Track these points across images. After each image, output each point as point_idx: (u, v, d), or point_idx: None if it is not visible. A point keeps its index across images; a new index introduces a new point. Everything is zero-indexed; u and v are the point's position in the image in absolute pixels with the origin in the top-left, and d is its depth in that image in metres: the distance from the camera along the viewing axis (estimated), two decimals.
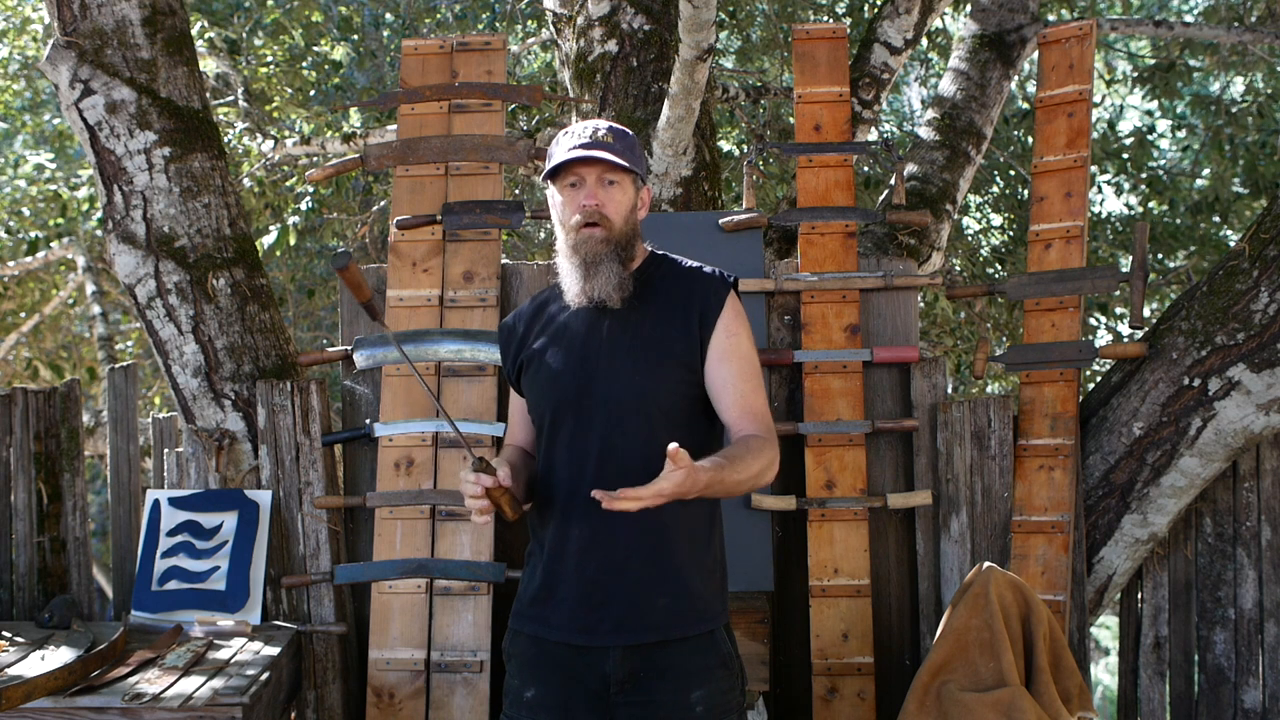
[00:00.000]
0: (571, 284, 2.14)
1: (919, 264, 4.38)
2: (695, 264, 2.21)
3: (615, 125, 2.16)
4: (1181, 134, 8.63)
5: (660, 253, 2.24)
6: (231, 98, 6.84)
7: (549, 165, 2.13)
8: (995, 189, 7.60)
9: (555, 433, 2.14)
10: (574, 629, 2.08)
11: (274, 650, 2.94)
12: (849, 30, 4.28)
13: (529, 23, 7.62)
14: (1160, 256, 7.47)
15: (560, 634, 2.09)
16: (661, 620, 2.07)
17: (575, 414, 2.11)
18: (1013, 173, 7.41)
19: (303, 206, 6.60)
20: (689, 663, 2.08)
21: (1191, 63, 7.44)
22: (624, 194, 2.14)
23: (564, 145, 2.12)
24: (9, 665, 2.71)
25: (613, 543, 2.07)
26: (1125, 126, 8.66)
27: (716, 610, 2.14)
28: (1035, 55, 4.34)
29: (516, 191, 7.56)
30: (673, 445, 1.86)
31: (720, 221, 3.34)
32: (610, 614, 2.06)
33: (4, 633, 3.02)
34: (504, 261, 3.39)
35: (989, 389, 8.08)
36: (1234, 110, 7.29)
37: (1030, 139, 7.18)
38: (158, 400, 7.89)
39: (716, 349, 2.12)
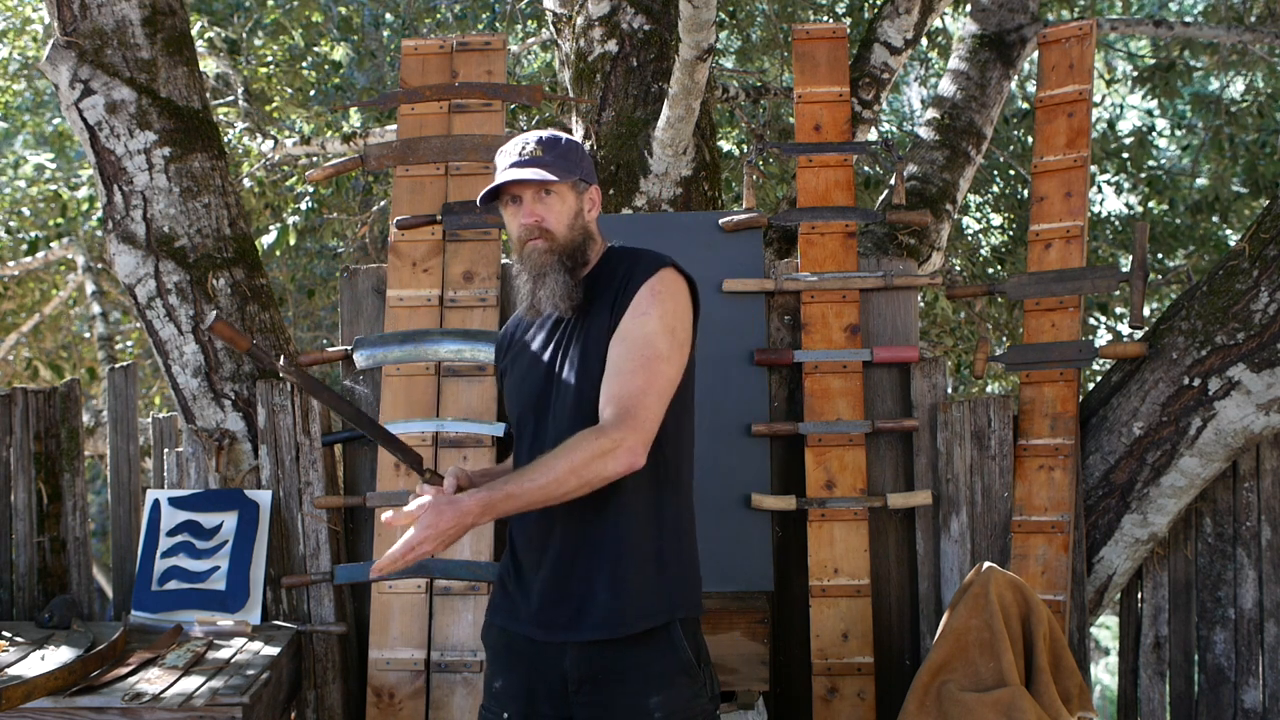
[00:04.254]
0: (523, 296, 2.17)
1: (919, 264, 4.38)
2: (639, 251, 2.16)
3: (548, 134, 2.15)
4: (1181, 134, 8.63)
5: (616, 247, 2.21)
6: (231, 98, 6.84)
7: (485, 190, 2.15)
8: (995, 189, 7.61)
9: (521, 435, 2.20)
10: (534, 624, 2.12)
11: (274, 650, 2.94)
12: (849, 30, 4.28)
13: (529, 23, 7.62)
14: (1160, 256, 7.47)
15: (523, 627, 2.14)
16: (604, 617, 2.06)
17: (535, 417, 2.15)
18: (1013, 173, 7.41)
19: (303, 206, 6.60)
20: (648, 667, 2.07)
21: (1191, 63, 7.44)
22: (563, 203, 2.13)
23: (498, 165, 2.15)
24: (9, 665, 2.71)
25: (564, 541, 2.09)
26: (1125, 126, 8.66)
27: (664, 606, 2.08)
28: (1035, 55, 4.34)
29: None
30: (387, 515, 1.94)
31: (720, 221, 3.34)
32: (562, 611, 2.09)
33: (4, 633, 3.02)
34: (504, 261, 3.39)
35: (989, 389, 8.08)
36: (1234, 110, 7.29)
37: (1030, 139, 7.18)
38: (158, 400, 7.89)
39: (618, 331, 2.06)
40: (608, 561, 2.07)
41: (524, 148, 2.12)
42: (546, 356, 2.15)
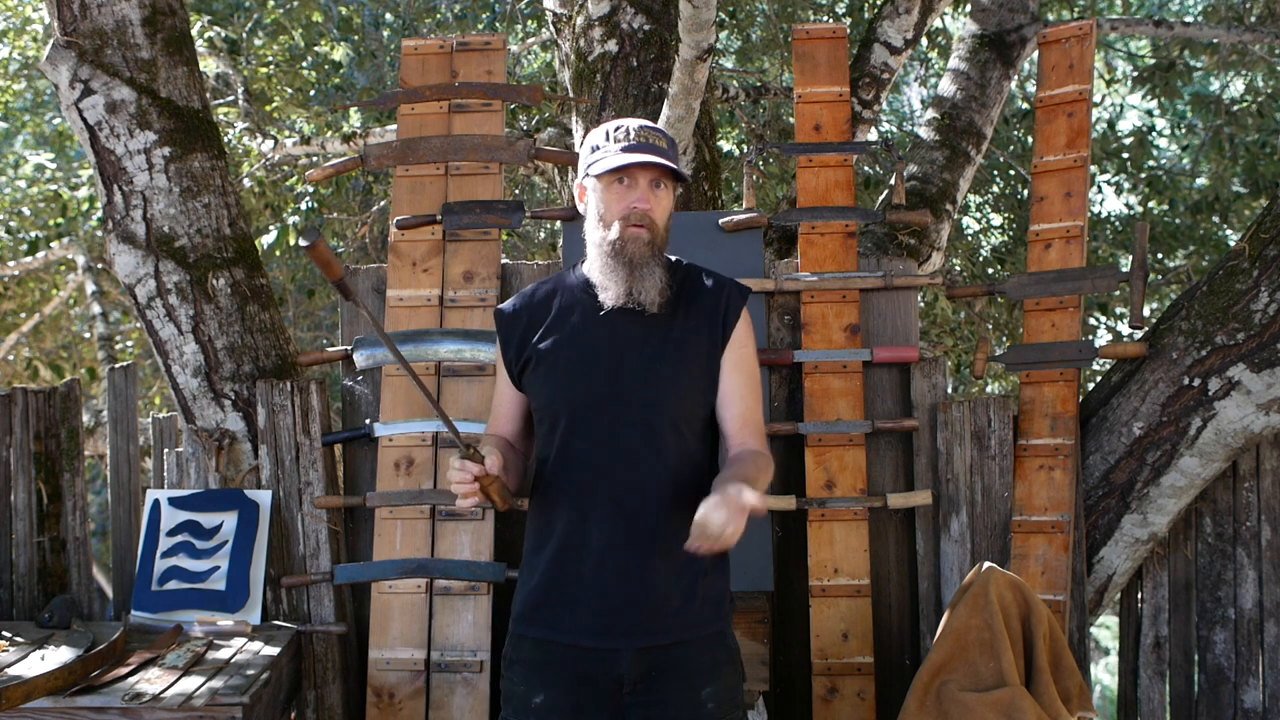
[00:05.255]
0: (613, 284, 2.10)
1: (919, 264, 4.38)
2: (716, 273, 2.24)
3: (660, 128, 2.18)
4: (1181, 134, 8.63)
5: (676, 259, 2.24)
6: (231, 98, 6.84)
7: (607, 162, 2.08)
8: (995, 189, 7.61)
9: (574, 432, 2.10)
10: (588, 631, 2.06)
11: (274, 650, 2.94)
12: (849, 30, 4.28)
13: (529, 23, 7.62)
14: (1160, 256, 7.47)
15: (572, 636, 2.07)
16: (676, 622, 2.08)
17: (601, 415, 2.08)
18: (1013, 173, 7.42)
19: (303, 206, 6.59)
20: (699, 660, 2.09)
21: (1191, 63, 7.44)
22: (668, 199, 2.15)
23: (616, 142, 2.10)
24: (9, 665, 2.71)
25: (632, 546, 2.06)
26: (1125, 126, 8.66)
27: (726, 610, 2.17)
28: (1035, 55, 4.34)
29: (516, 191, 7.56)
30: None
31: (720, 221, 3.34)
32: (626, 616, 2.06)
33: (4, 633, 3.02)
34: (504, 261, 3.39)
35: (989, 389, 8.08)
36: (1234, 110, 7.29)
37: (1030, 139, 7.18)
38: (158, 400, 7.89)
39: (730, 359, 2.15)
40: (682, 568, 2.08)
41: (648, 134, 2.11)
42: (614, 354, 2.10)
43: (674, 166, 2.10)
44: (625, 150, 2.08)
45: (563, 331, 2.15)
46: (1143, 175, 7.48)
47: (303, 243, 1.80)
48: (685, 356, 2.12)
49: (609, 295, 2.11)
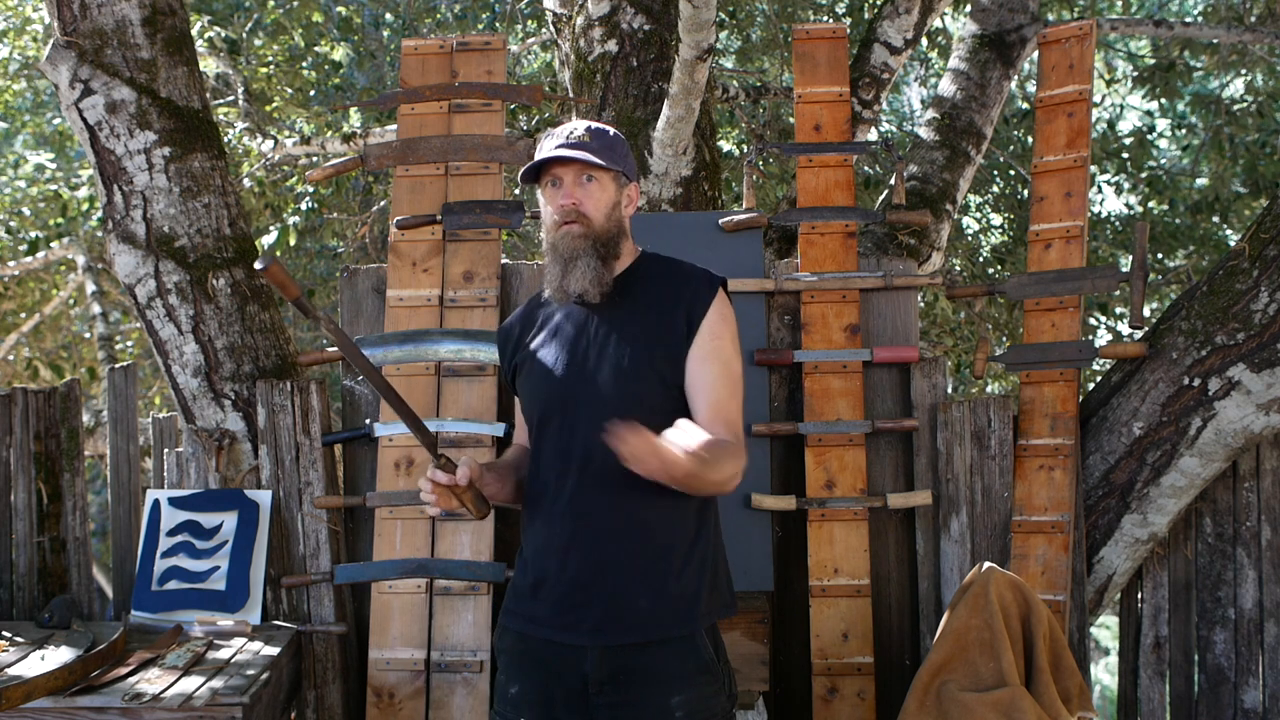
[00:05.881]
0: (551, 280, 2.15)
1: (919, 264, 4.38)
2: (685, 263, 2.21)
3: (596, 125, 2.17)
4: (1181, 134, 8.63)
5: (651, 253, 2.24)
6: (231, 98, 6.85)
7: (526, 167, 2.16)
8: (995, 189, 7.61)
9: (543, 432, 2.15)
10: (556, 626, 2.09)
11: (274, 650, 2.94)
12: (849, 30, 4.28)
13: (529, 23, 7.62)
14: (1160, 256, 7.47)
15: (543, 631, 2.10)
16: (641, 621, 2.06)
17: (561, 413, 2.11)
18: (1013, 173, 7.42)
19: (303, 206, 6.60)
20: (669, 667, 2.07)
21: (1191, 63, 7.44)
22: (604, 191, 2.14)
23: (544, 147, 2.14)
24: (9, 665, 2.71)
25: (595, 542, 2.07)
26: (1125, 126, 8.66)
27: (701, 612, 2.11)
28: (1035, 55, 4.34)
29: (516, 191, 7.56)
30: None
31: (720, 221, 3.34)
32: (591, 614, 2.06)
33: (4, 633, 3.02)
34: (504, 261, 3.39)
35: (989, 389, 8.08)
36: (1234, 110, 7.29)
37: (1030, 139, 7.18)
38: (158, 400, 7.89)
39: (699, 349, 2.11)
40: (649, 566, 2.07)
41: (572, 133, 2.12)
42: (578, 351, 2.12)
43: (587, 158, 2.09)
44: (546, 152, 2.12)
45: (541, 336, 2.20)
46: (1143, 175, 7.48)
47: (258, 267, 1.82)
48: (642, 350, 2.10)
49: (549, 291, 2.16)
